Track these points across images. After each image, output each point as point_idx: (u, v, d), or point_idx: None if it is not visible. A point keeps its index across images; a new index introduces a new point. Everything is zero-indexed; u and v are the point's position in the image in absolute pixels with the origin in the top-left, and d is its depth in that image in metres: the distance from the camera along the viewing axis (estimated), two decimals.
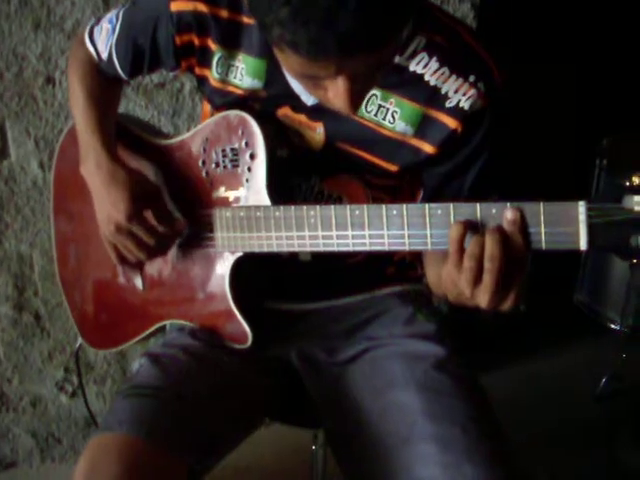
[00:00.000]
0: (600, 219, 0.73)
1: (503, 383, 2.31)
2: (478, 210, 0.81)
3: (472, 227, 0.81)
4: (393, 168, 1.05)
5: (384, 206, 0.89)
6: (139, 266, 1.22)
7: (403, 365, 1.10)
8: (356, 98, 0.85)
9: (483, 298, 0.81)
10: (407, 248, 0.88)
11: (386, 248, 0.90)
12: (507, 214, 0.79)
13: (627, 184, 0.72)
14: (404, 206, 0.87)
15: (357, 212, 0.92)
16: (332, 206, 0.94)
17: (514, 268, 0.79)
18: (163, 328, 1.25)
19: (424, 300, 1.24)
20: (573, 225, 0.74)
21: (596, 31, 2.57)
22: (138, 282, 1.24)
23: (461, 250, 0.81)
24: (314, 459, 1.45)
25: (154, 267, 1.21)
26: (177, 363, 1.10)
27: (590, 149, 2.42)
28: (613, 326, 2.43)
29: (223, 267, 1.11)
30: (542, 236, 0.77)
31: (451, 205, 0.83)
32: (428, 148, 1.01)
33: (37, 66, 1.63)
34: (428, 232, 0.85)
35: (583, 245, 0.74)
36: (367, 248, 0.92)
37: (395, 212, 0.88)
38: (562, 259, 1.03)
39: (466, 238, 0.81)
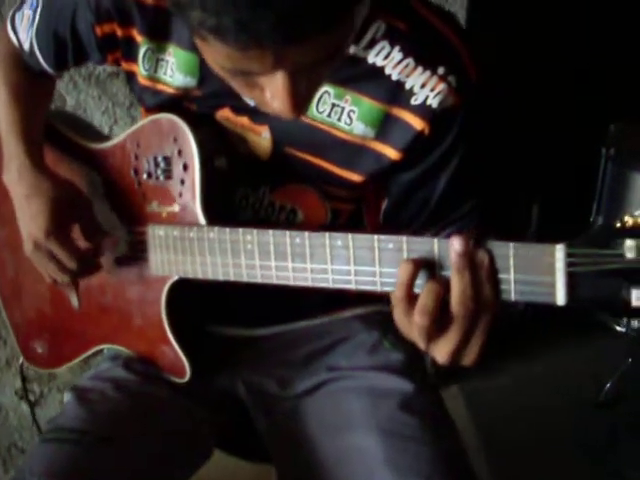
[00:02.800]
0: (583, 267, 0.57)
1: (499, 387, 2.22)
2: (436, 247, 0.66)
3: (427, 267, 0.66)
4: (355, 177, 0.90)
5: (327, 234, 0.74)
6: (74, 283, 1.08)
7: (365, 403, 0.97)
8: (300, 99, 0.68)
9: (440, 354, 0.67)
10: (354, 287, 0.73)
11: (330, 285, 0.75)
12: (478, 257, 0.63)
13: (617, 225, 0.56)
14: (349, 236, 0.72)
15: (298, 240, 0.77)
16: (270, 231, 0.80)
17: (479, 320, 0.64)
18: (102, 351, 1.12)
19: (390, 324, 1.10)
20: (549, 274, 0.59)
21: (601, 16, 2.43)
22: (73, 299, 1.11)
23: (410, 297, 0.66)
24: None
25: (89, 284, 1.08)
26: (106, 401, 0.98)
27: (595, 137, 2.28)
28: (619, 328, 2.29)
29: (158, 291, 0.97)
30: (511, 285, 0.61)
31: (404, 238, 0.68)
32: (392, 153, 0.86)
33: None
34: (377, 269, 0.70)
35: (561, 299, 0.59)
36: (309, 283, 0.77)
37: (340, 242, 0.73)
38: None
39: (417, 281, 0.66)
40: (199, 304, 1.02)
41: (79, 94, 1.54)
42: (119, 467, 0.91)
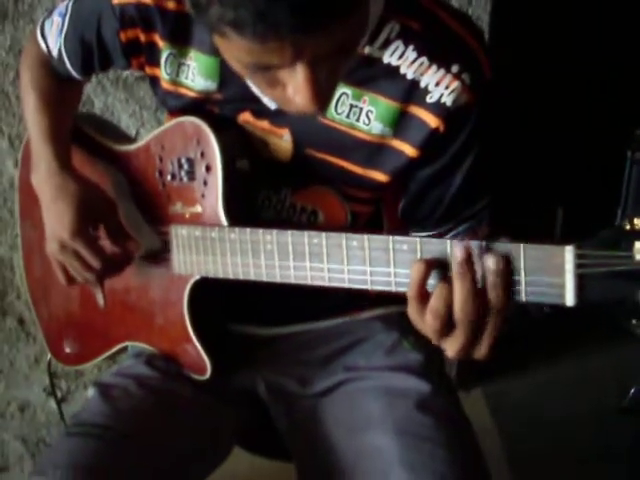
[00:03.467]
0: (593, 269, 0.58)
1: (522, 391, 2.20)
2: (449, 248, 0.67)
3: (440, 267, 0.67)
4: (378, 177, 0.92)
5: (344, 235, 0.76)
6: (100, 282, 1.10)
7: (382, 403, 0.98)
8: (321, 91, 0.69)
9: (449, 351, 0.69)
10: (369, 287, 0.75)
11: (346, 285, 0.77)
12: (489, 262, 0.64)
13: (627, 227, 0.57)
14: (365, 237, 0.74)
15: (315, 240, 0.79)
16: (289, 232, 0.81)
17: (485, 324, 0.66)
18: (126, 348, 1.14)
19: (410, 325, 1.11)
20: (558, 275, 0.60)
21: (627, 19, 2.41)
22: (99, 298, 1.13)
23: (422, 296, 0.67)
24: None
25: (114, 283, 1.10)
26: (128, 397, 1.00)
27: (621, 141, 2.26)
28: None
29: (181, 290, 0.99)
30: (522, 286, 0.63)
31: (418, 240, 0.69)
32: (409, 150, 0.88)
33: (7, 59, 1.53)
34: (392, 270, 0.71)
35: (570, 300, 0.60)
36: (326, 283, 0.79)
37: (356, 243, 0.75)
38: None
39: (430, 281, 0.67)
40: (220, 303, 1.03)
41: (107, 97, 1.57)
42: (141, 463, 0.93)
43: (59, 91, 1.08)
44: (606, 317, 0.62)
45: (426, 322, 0.67)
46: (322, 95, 0.71)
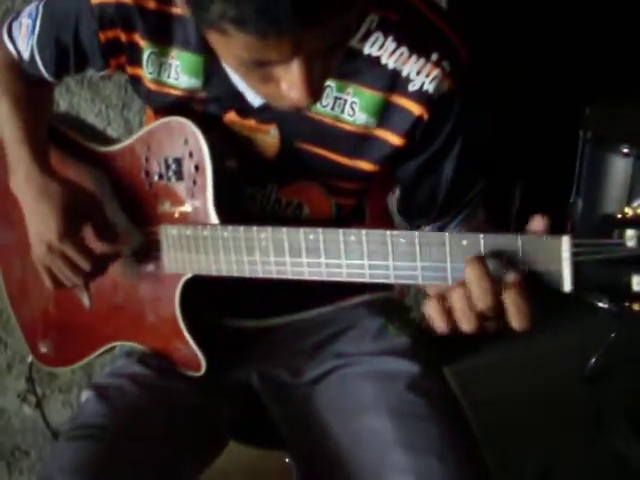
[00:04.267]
0: (587, 256, 0.62)
1: (488, 366, 2.28)
2: (447, 241, 0.70)
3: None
4: (365, 166, 0.94)
5: (341, 231, 0.78)
6: (86, 283, 1.11)
7: (375, 386, 1.01)
8: (315, 85, 0.72)
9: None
10: (368, 279, 0.77)
11: (345, 279, 0.79)
12: (509, 277, 0.67)
13: (619, 216, 0.61)
14: (363, 232, 0.76)
15: (312, 237, 0.81)
16: (284, 229, 0.83)
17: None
18: (114, 347, 1.15)
19: (395, 311, 1.15)
20: (555, 263, 0.63)
21: (575, 3, 2.47)
22: (85, 299, 1.13)
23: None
24: (292, 470, 1.37)
25: (101, 283, 1.10)
26: (125, 397, 1.01)
27: (574, 120, 2.33)
28: (601, 305, 2.35)
29: (172, 288, 1.00)
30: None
31: (416, 234, 0.72)
32: (394, 139, 0.91)
33: None
34: (390, 263, 0.74)
35: (567, 286, 0.64)
36: (325, 278, 0.81)
37: (353, 238, 0.77)
38: None
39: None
40: (211, 299, 1.05)
41: (72, 97, 1.55)
42: (141, 460, 0.94)
43: (31, 94, 1.07)
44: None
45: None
46: (316, 89, 0.73)
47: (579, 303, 2.42)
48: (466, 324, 0.69)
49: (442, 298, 0.70)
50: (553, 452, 1.94)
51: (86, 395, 1.03)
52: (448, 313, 0.70)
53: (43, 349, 1.24)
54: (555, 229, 0.67)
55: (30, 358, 1.30)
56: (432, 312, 0.70)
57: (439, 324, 0.70)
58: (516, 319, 0.67)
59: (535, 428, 2.01)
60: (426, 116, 0.88)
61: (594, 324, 2.33)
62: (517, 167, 2.40)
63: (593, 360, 2.22)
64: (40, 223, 0.99)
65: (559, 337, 2.36)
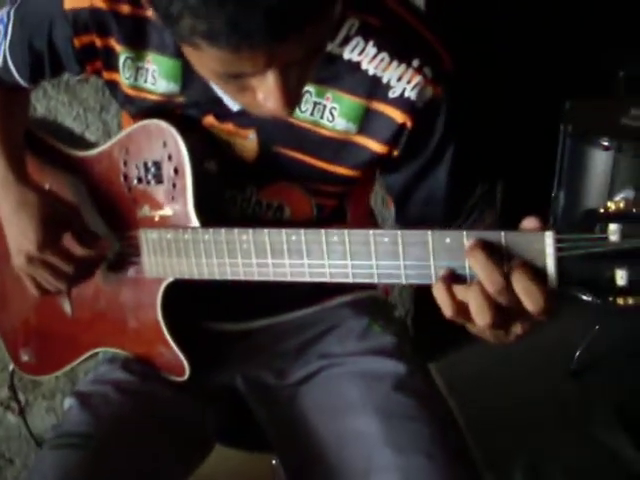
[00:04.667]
0: (571, 252, 0.62)
1: (474, 360, 2.27)
2: (429, 237, 0.69)
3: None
4: (344, 172, 0.93)
5: (323, 231, 0.77)
6: (67, 290, 1.09)
7: (361, 387, 1.00)
8: (292, 95, 0.71)
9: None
10: (351, 280, 0.77)
11: (328, 279, 0.79)
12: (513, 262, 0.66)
13: (601, 211, 0.61)
14: (345, 232, 0.75)
15: (294, 238, 0.80)
16: (266, 230, 0.82)
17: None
18: (97, 354, 1.13)
19: (379, 309, 1.14)
20: (539, 259, 0.63)
21: None
22: (66, 306, 1.12)
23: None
24: (276, 472, 1.37)
25: (82, 290, 1.09)
26: (109, 404, 1.00)
27: (554, 114, 2.34)
28: (585, 297, 2.37)
29: (153, 293, 0.99)
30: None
31: (399, 232, 0.71)
32: (375, 146, 0.90)
33: None
34: (374, 262, 0.74)
35: (552, 282, 0.63)
36: (307, 278, 0.81)
37: (336, 238, 0.76)
38: None
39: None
40: (193, 302, 1.04)
41: (49, 101, 1.53)
42: (126, 468, 0.93)
43: (6, 102, 1.05)
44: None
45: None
46: (293, 98, 0.72)
47: (562, 296, 2.44)
48: (481, 319, 0.66)
49: (451, 285, 0.68)
50: (541, 449, 1.95)
51: (69, 403, 1.02)
52: (456, 300, 0.67)
53: (25, 357, 1.22)
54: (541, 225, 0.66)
55: (12, 366, 1.29)
56: (439, 296, 0.68)
57: (445, 309, 0.68)
58: (529, 303, 0.64)
59: (522, 424, 2.02)
60: (409, 124, 0.87)
61: (577, 317, 2.34)
62: (498, 162, 2.40)
63: (578, 353, 2.23)
64: (18, 234, 0.97)
65: (543, 330, 2.36)
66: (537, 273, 0.64)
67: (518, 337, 0.70)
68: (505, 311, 0.66)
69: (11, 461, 1.94)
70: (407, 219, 0.97)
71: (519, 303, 0.65)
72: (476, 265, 0.65)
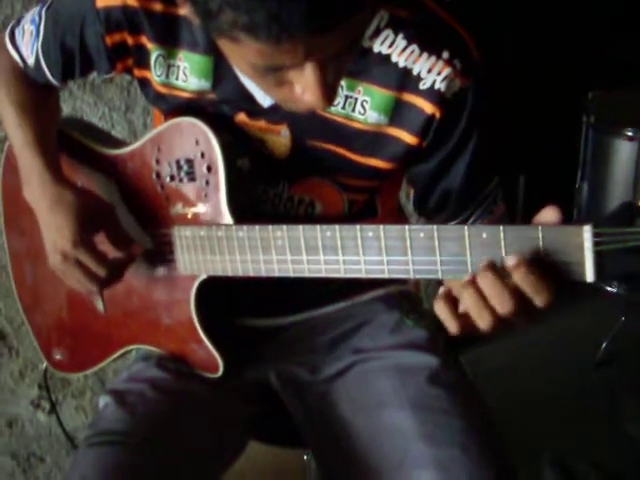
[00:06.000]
0: (608, 245, 0.62)
1: (500, 352, 2.27)
2: (466, 234, 0.70)
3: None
4: (379, 164, 0.94)
5: (358, 227, 0.78)
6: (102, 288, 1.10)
7: (394, 381, 1.01)
8: (329, 88, 0.72)
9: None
10: (387, 275, 0.77)
11: (363, 275, 0.79)
12: (509, 261, 0.67)
13: (639, 204, 0.61)
14: (381, 227, 0.76)
15: (329, 234, 0.80)
16: (300, 226, 0.83)
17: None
18: (129, 352, 1.15)
19: (411, 303, 1.14)
20: (577, 254, 0.63)
21: None
22: (99, 304, 1.13)
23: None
24: (307, 468, 1.38)
25: (114, 288, 1.09)
26: (145, 401, 1.01)
27: (576, 106, 2.32)
28: (609, 289, 2.35)
29: (187, 290, 1.00)
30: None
31: (435, 227, 0.72)
32: (407, 137, 0.90)
33: None
34: (409, 258, 0.74)
35: (590, 276, 0.64)
36: (342, 275, 0.81)
37: (371, 234, 0.77)
38: None
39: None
40: (226, 299, 1.05)
41: (75, 101, 1.54)
42: (163, 464, 0.94)
43: (38, 101, 1.07)
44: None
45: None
46: (330, 92, 0.73)
47: (587, 288, 2.42)
48: (482, 322, 0.68)
49: (451, 299, 0.70)
50: (568, 442, 1.94)
51: (104, 401, 1.03)
52: (458, 314, 0.69)
53: (58, 356, 1.24)
54: (562, 215, 0.66)
55: (44, 365, 1.30)
56: (442, 314, 0.70)
57: (449, 325, 0.70)
58: (537, 298, 0.66)
59: (548, 417, 2.01)
60: (438, 115, 0.87)
61: (602, 309, 2.33)
62: (521, 155, 2.40)
63: (603, 346, 2.22)
64: (55, 232, 0.98)
65: (568, 323, 2.36)
66: (538, 269, 0.65)
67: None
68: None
69: (42, 459, 1.96)
70: (426, 209, 0.99)
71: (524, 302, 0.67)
72: (484, 285, 0.67)
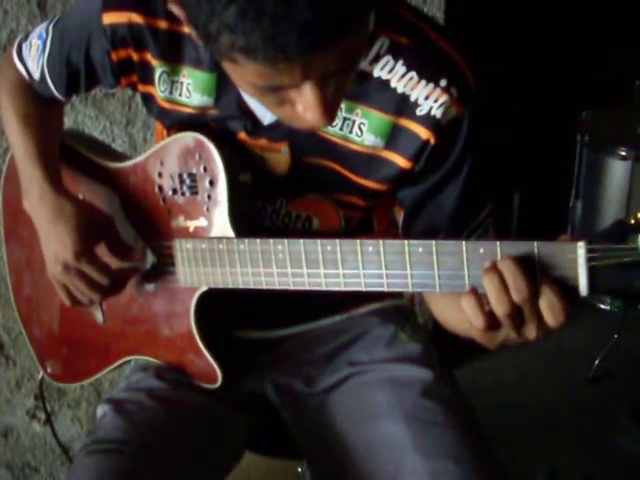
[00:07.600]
0: (602, 261, 0.64)
1: (494, 367, 2.29)
2: (464, 249, 0.72)
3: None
4: (373, 185, 0.95)
5: (358, 241, 0.80)
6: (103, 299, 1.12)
7: (389, 393, 1.02)
8: (329, 106, 0.74)
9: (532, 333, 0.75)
10: (386, 289, 0.79)
11: (363, 288, 0.81)
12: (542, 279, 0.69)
13: (631, 222, 0.63)
14: (380, 242, 0.78)
15: (329, 248, 0.82)
16: (301, 240, 0.85)
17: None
18: (127, 362, 1.16)
19: (406, 317, 1.16)
20: (571, 268, 0.65)
21: (567, 6, 2.50)
22: (98, 315, 1.14)
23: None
24: (301, 479, 1.38)
25: (114, 299, 1.11)
26: (143, 410, 1.02)
27: (569, 125, 2.35)
28: (603, 306, 2.37)
29: (187, 303, 1.01)
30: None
31: (433, 242, 0.74)
32: (401, 161, 0.92)
33: None
34: (408, 272, 0.76)
35: (583, 290, 0.65)
36: (342, 288, 0.83)
37: (371, 248, 0.79)
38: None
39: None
40: (225, 311, 1.06)
41: (76, 115, 1.56)
42: (161, 473, 0.95)
43: (42, 114, 1.09)
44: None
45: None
46: (331, 110, 0.75)
47: (581, 305, 2.45)
48: (501, 308, 0.70)
49: (478, 296, 0.72)
50: (561, 456, 1.95)
51: (102, 410, 1.04)
52: (484, 309, 0.71)
53: (55, 366, 1.25)
54: (556, 233, 0.69)
55: (40, 375, 1.31)
56: (468, 308, 0.72)
57: (475, 320, 0.72)
58: (550, 317, 0.69)
59: (542, 432, 2.03)
60: (433, 141, 0.89)
61: (596, 326, 2.34)
62: (515, 173, 2.43)
63: (597, 362, 2.24)
64: (56, 243, 1.00)
65: (563, 339, 2.38)
66: (564, 291, 0.68)
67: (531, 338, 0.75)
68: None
69: (37, 469, 1.96)
70: (414, 231, 0.99)
71: (540, 315, 0.69)
72: (506, 271, 0.69)
